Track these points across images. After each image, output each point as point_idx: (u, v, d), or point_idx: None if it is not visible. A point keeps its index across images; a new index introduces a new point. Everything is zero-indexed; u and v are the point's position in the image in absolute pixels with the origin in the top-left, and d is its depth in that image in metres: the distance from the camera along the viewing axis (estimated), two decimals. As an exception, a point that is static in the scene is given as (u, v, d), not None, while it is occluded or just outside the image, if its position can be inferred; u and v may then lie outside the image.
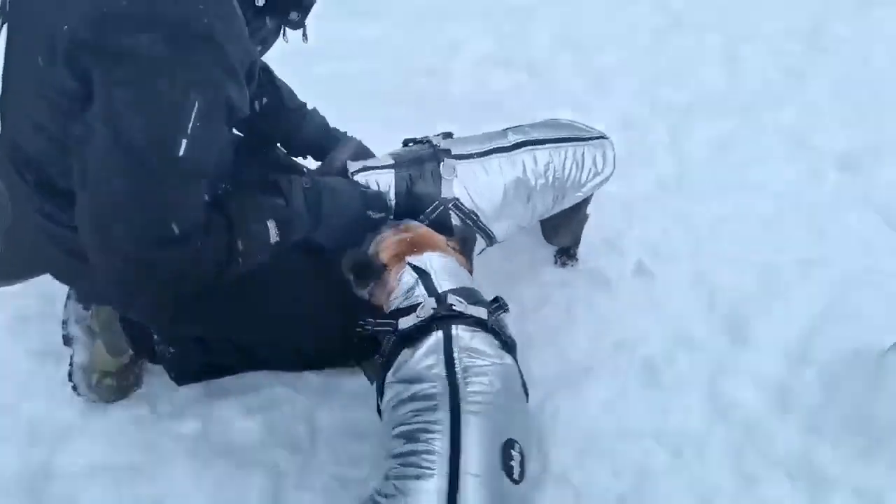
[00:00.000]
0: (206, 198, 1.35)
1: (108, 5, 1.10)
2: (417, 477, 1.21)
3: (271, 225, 1.42)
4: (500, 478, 1.23)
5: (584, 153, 1.94)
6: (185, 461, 1.80)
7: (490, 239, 1.90)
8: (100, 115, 1.14)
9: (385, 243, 1.58)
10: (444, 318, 1.41)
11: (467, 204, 1.81)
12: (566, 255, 2.29)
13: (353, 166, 1.78)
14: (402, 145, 1.93)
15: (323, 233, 1.62)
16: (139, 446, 1.82)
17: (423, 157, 1.82)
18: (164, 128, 1.15)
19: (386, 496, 1.23)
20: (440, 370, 1.33)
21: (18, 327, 2.02)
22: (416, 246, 1.57)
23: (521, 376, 1.47)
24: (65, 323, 1.86)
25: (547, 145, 1.91)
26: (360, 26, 3.20)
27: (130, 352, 1.85)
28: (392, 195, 1.76)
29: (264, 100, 1.83)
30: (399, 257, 1.55)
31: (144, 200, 1.19)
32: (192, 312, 1.57)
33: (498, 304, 1.53)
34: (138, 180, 1.17)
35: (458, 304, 1.43)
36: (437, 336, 1.39)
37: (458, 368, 1.33)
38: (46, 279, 1.66)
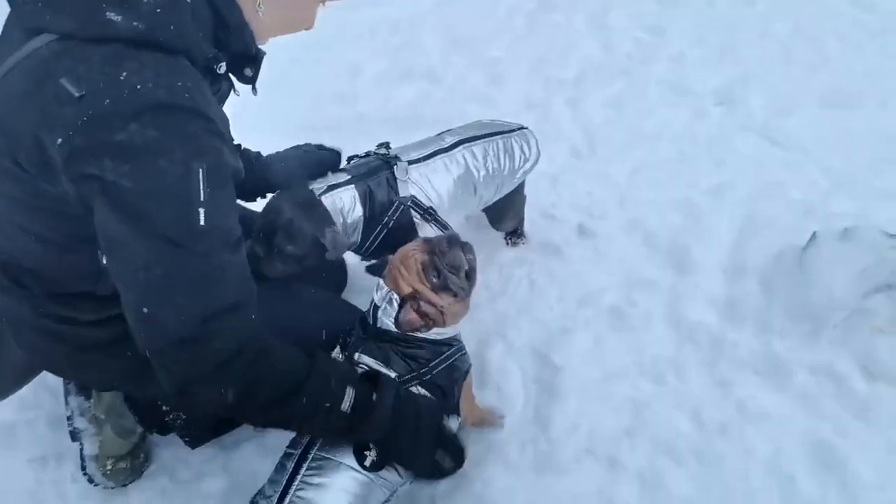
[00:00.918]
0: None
1: (93, 108, 1.12)
2: None
3: (349, 391, 1.41)
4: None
5: (512, 144, 2.15)
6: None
7: (446, 230, 2.06)
8: (112, 214, 1.14)
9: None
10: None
11: (424, 201, 1.96)
12: (515, 235, 2.48)
13: (317, 189, 1.86)
14: (347, 162, 2.05)
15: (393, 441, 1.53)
16: (172, 519, 1.84)
17: (376, 167, 1.96)
18: (178, 204, 1.16)
19: None
20: None
21: (8, 440, 1.96)
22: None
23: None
24: (69, 418, 1.84)
25: (480, 141, 2.10)
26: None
27: (139, 430, 1.86)
28: (359, 207, 1.87)
29: None
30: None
31: (184, 279, 1.18)
32: None
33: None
34: (171, 261, 1.17)
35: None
36: None
37: None
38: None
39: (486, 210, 2.24)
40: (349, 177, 1.92)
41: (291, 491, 1.47)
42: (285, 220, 1.76)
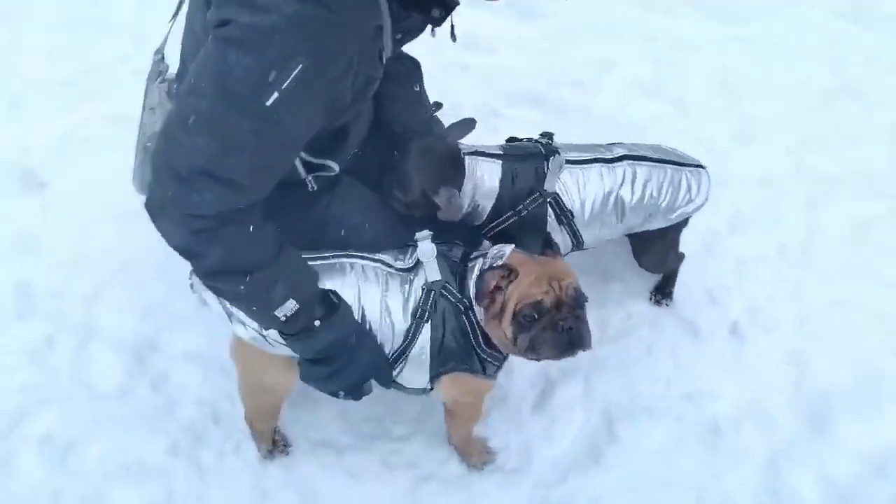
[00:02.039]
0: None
1: None
2: None
3: (291, 304, 1.43)
4: None
5: (681, 178, 1.94)
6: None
7: (578, 243, 1.93)
8: (212, 45, 1.24)
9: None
10: None
11: (566, 203, 1.85)
12: (662, 293, 2.27)
13: (465, 147, 1.84)
14: (505, 142, 1.99)
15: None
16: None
17: (531, 153, 1.88)
18: (259, 75, 1.20)
19: None
20: None
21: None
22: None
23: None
24: None
25: (647, 163, 1.92)
26: (521, 25, 3.25)
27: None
28: (497, 184, 1.82)
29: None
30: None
31: (216, 130, 1.24)
32: None
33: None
34: (217, 109, 1.23)
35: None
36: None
37: None
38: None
39: (631, 237, 2.06)
40: (501, 152, 1.87)
41: None
42: (400, 162, 1.76)
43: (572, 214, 1.86)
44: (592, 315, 2.13)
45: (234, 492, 1.87)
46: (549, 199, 1.83)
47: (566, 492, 1.87)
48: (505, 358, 1.70)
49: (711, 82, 3.04)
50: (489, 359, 1.66)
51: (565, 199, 1.85)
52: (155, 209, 1.33)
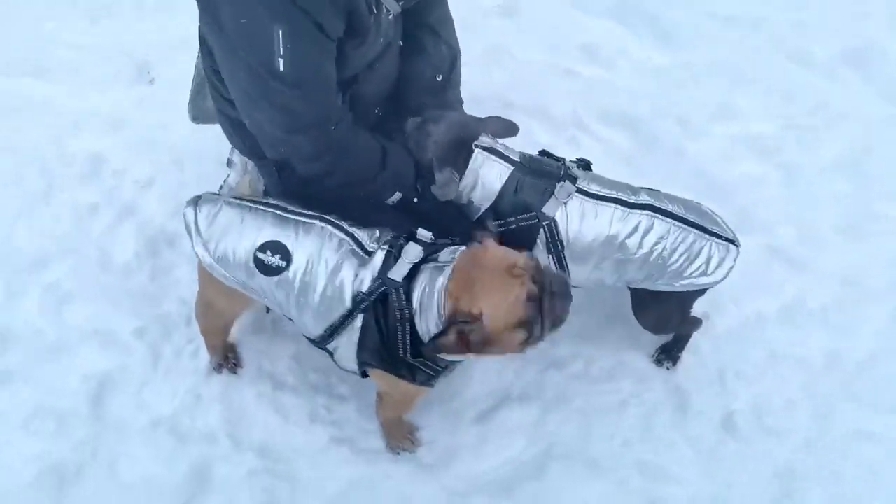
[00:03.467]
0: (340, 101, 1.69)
1: None
2: None
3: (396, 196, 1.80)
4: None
5: (703, 248, 1.74)
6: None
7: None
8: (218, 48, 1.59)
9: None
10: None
11: (561, 233, 1.72)
12: (667, 354, 2.06)
13: (483, 141, 1.77)
14: (537, 153, 1.88)
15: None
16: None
17: (546, 171, 1.77)
18: (262, 53, 1.49)
19: None
20: None
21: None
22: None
23: None
24: (230, 156, 2.21)
25: (672, 220, 1.74)
26: (654, 50, 3.05)
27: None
28: (498, 188, 1.74)
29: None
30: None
31: (266, 101, 1.56)
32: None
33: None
34: (256, 88, 1.57)
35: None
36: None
37: None
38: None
39: (631, 289, 1.88)
40: (518, 160, 1.77)
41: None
42: (423, 127, 1.75)
43: (562, 245, 1.74)
44: (583, 351, 2.03)
45: (175, 388, 1.98)
46: (543, 223, 1.73)
47: (466, 508, 1.78)
48: (445, 368, 1.62)
49: (843, 161, 2.66)
50: (421, 367, 1.59)
51: (562, 227, 1.73)
52: (284, 163, 1.76)
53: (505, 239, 1.73)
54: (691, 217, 1.76)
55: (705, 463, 1.88)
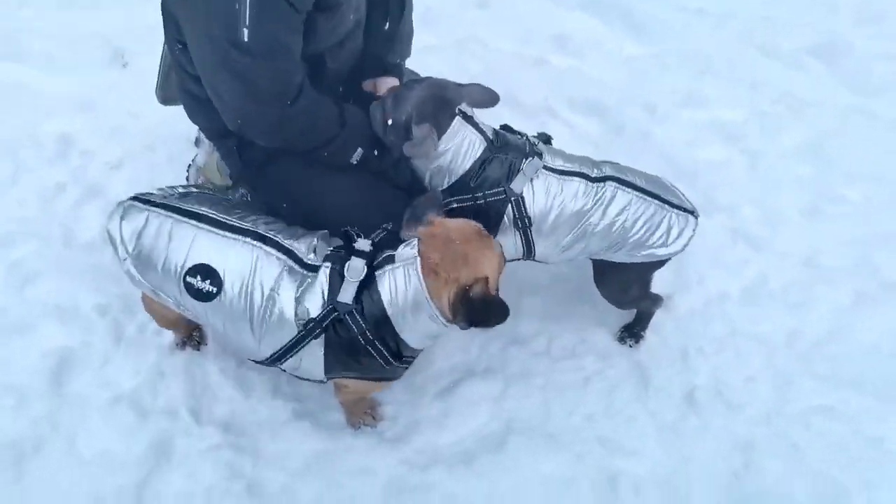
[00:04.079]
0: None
1: None
2: None
3: (358, 151, 1.78)
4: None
5: (663, 219, 1.76)
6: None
7: (529, 252, 1.81)
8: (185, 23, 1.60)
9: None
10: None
11: (528, 209, 1.73)
12: (630, 332, 2.08)
13: (464, 108, 1.76)
14: (498, 127, 1.88)
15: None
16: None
17: (514, 146, 1.78)
18: (227, 23, 1.49)
19: None
20: None
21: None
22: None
23: None
24: (197, 137, 2.22)
25: (633, 191, 1.76)
26: (626, 40, 3.09)
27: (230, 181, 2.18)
28: (469, 162, 1.74)
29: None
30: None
31: (230, 72, 1.56)
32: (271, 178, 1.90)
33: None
34: (220, 59, 1.56)
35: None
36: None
37: None
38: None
39: (593, 261, 1.90)
40: (490, 137, 1.77)
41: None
42: (407, 84, 1.75)
43: (530, 222, 1.75)
44: (547, 331, 2.04)
45: (137, 364, 1.97)
46: (511, 199, 1.74)
47: (427, 480, 1.78)
48: (412, 360, 1.62)
49: (806, 147, 2.71)
50: (399, 365, 1.57)
51: (529, 203, 1.74)
52: (246, 135, 1.74)
53: (469, 214, 1.74)
54: (652, 189, 1.78)
55: (666, 438, 1.89)
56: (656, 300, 2.02)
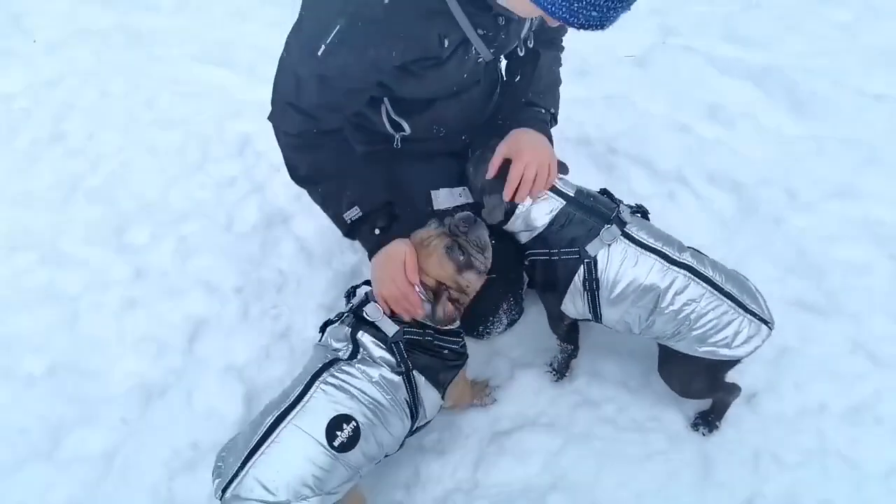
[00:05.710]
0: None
1: None
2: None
3: (353, 211, 1.79)
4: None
5: (733, 320, 1.73)
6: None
7: (596, 315, 1.88)
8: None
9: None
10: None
11: (599, 273, 1.80)
12: (704, 419, 2.03)
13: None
14: (598, 191, 1.95)
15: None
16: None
17: (599, 210, 1.85)
18: (317, 28, 1.60)
19: None
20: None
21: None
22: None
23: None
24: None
25: (709, 288, 1.75)
26: (788, 119, 2.95)
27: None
28: (545, 223, 1.85)
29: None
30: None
31: (291, 73, 1.68)
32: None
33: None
34: (292, 58, 1.68)
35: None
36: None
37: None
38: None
39: (660, 345, 1.91)
40: (572, 194, 1.87)
41: (263, 447, 1.57)
42: (483, 154, 1.90)
43: (598, 285, 1.81)
44: (619, 396, 2.07)
45: (252, 342, 2.30)
46: (584, 261, 1.81)
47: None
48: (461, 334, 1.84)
49: None
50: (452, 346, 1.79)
51: (602, 268, 1.80)
52: (273, 125, 1.83)
53: (538, 270, 1.91)
54: (729, 288, 1.77)
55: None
56: (732, 390, 1.96)
